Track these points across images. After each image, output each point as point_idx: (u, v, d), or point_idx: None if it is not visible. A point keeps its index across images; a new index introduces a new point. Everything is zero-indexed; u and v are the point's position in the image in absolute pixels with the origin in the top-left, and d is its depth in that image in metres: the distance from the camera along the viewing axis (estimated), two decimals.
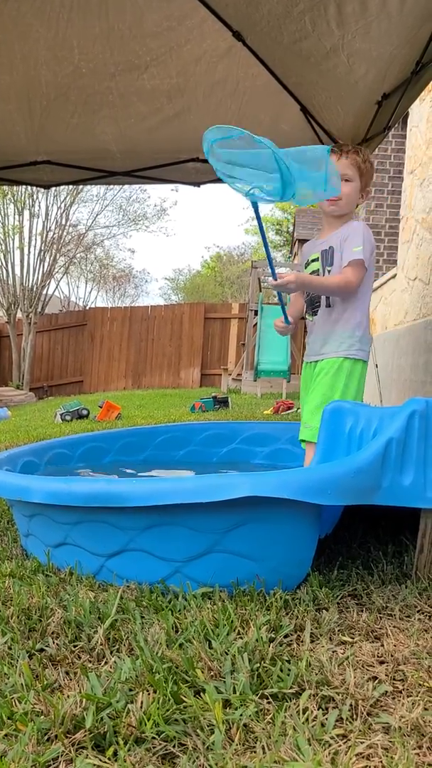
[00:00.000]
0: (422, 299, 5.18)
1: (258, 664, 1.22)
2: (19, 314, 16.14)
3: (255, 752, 0.99)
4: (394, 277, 6.38)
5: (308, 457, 2.55)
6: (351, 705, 1.11)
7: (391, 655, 1.30)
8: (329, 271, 2.44)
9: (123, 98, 3.71)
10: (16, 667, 1.24)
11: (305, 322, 2.64)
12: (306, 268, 2.57)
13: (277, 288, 2.35)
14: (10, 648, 1.34)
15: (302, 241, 17.31)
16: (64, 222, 16.94)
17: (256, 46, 3.31)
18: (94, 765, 0.97)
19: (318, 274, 2.46)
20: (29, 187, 14.21)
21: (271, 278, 2.35)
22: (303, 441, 2.55)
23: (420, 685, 1.19)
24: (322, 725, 1.04)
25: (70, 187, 15.44)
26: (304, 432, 2.52)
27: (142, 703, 1.09)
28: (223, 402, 8.01)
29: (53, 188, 5.11)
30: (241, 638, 1.34)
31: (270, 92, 3.63)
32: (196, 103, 3.73)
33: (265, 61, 3.40)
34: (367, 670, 1.25)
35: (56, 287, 19.84)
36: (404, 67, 3.06)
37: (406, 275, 5.79)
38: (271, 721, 1.07)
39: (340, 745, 1.00)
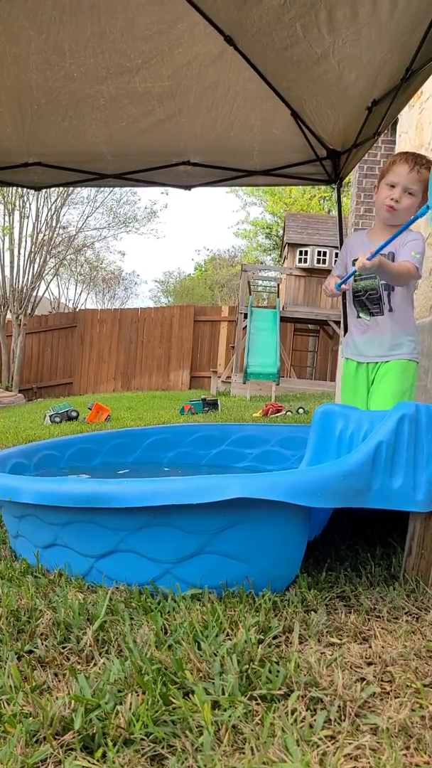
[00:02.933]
0: None
1: (247, 666, 1.23)
2: (9, 315, 16.07)
3: (244, 753, 0.99)
4: None
5: None
6: (339, 706, 1.12)
7: (379, 657, 1.30)
8: None
9: (114, 101, 3.71)
10: (5, 668, 1.24)
11: (358, 320, 2.63)
12: (353, 264, 2.57)
13: (367, 268, 2.29)
14: None
15: (292, 245, 17.35)
16: (54, 224, 16.91)
17: (247, 51, 3.32)
18: (83, 766, 0.97)
19: (374, 276, 2.49)
20: (20, 189, 14.17)
21: (365, 259, 2.30)
22: None
23: (407, 686, 1.20)
24: (311, 726, 1.05)
25: (61, 188, 15.41)
26: None
27: (131, 704, 1.09)
28: (212, 404, 8.02)
29: (44, 190, 5.10)
30: (230, 640, 1.34)
31: (261, 96, 3.65)
32: (187, 106, 3.73)
33: (257, 65, 3.41)
34: (355, 671, 1.25)
35: (46, 289, 19.77)
36: (394, 74, 3.08)
37: None
38: (259, 722, 1.07)
39: (328, 746, 1.00)
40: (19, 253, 16.13)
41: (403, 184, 2.45)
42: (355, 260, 2.54)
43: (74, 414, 7.30)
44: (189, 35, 3.23)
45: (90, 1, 2.99)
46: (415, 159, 2.46)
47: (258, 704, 1.13)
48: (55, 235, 17.23)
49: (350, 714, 1.10)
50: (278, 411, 8.06)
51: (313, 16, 2.80)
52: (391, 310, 2.53)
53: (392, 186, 2.47)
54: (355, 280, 2.54)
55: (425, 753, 1.00)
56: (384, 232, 2.49)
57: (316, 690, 1.16)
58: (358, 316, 2.60)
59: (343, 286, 2.49)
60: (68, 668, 1.24)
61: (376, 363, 2.56)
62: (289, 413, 8.07)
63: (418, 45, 2.80)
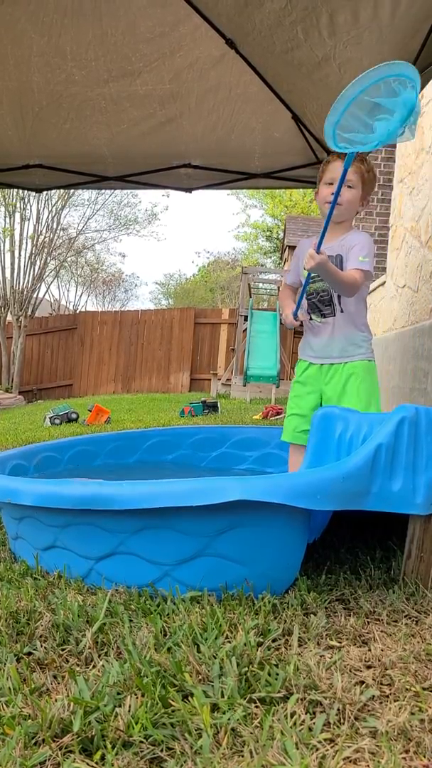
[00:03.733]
0: (411, 306, 5.21)
1: (246, 668, 1.23)
2: (9, 317, 16.08)
3: (243, 756, 0.99)
4: (383, 284, 6.41)
5: (295, 462, 2.59)
6: (338, 709, 1.11)
7: (379, 660, 1.30)
8: None
9: (116, 104, 3.72)
10: (4, 670, 1.23)
11: (307, 324, 2.63)
12: (305, 270, 2.56)
13: (309, 261, 2.27)
14: None
15: (293, 248, 17.36)
16: (54, 226, 16.92)
17: (248, 54, 3.33)
18: None
19: (320, 280, 2.49)
20: (20, 191, 14.17)
21: (313, 250, 2.29)
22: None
23: (407, 689, 1.20)
24: (310, 729, 1.05)
25: (62, 191, 15.41)
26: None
27: (130, 706, 1.09)
28: (212, 407, 8.02)
29: (44, 192, 5.11)
30: (230, 642, 1.34)
31: (262, 100, 3.66)
32: (188, 109, 3.74)
33: (258, 69, 3.42)
34: (355, 674, 1.25)
35: (46, 291, 19.80)
36: None
37: (395, 282, 5.83)
38: (258, 725, 1.07)
39: (327, 750, 1.00)
40: (19, 254, 16.13)
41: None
42: None
43: (74, 416, 7.29)
44: (190, 38, 3.24)
45: (92, 4, 3.00)
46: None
47: (257, 707, 1.13)
48: (55, 237, 17.24)
49: (349, 717, 1.09)
50: (278, 413, 8.05)
51: (314, 20, 2.81)
52: (342, 311, 2.52)
53: (331, 183, 2.46)
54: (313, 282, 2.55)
55: (425, 756, 1.00)
56: (331, 232, 2.47)
57: (316, 693, 1.16)
58: (311, 319, 2.60)
59: (300, 315, 2.53)
60: (67, 670, 1.24)
61: (331, 365, 2.55)
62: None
63: (418, 49, 2.81)
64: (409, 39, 2.80)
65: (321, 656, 1.32)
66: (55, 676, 1.24)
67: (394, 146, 7.49)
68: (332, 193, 2.32)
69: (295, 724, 1.06)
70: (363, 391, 2.49)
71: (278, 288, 15.06)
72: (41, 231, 16.46)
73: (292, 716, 1.09)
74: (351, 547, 2.07)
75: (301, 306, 2.56)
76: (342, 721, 1.09)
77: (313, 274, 2.44)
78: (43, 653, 1.33)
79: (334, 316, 2.53)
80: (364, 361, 2.53)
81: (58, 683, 1.21)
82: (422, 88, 3.20)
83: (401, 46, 2.87)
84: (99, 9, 3.04)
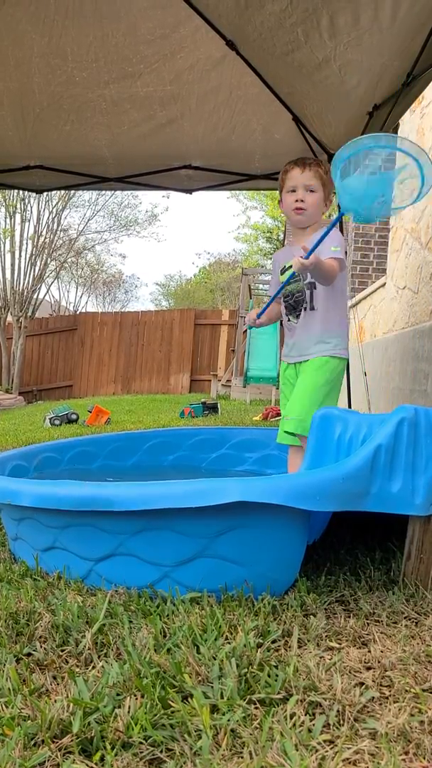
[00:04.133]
0: (411, 308, 5.21)
1: (246, 670, 1.23)
2: (10, 318, 16.08)
3: (242, 757, 0.99)
4: (383, 285, 6.41)
5: (293, 463, 2.59)
6: (338, 711, 1.11)
7: (378, 661, 1.30)
8: (310, 277, 2.50)
9: (116, 105, 3.72)
10: (4, 671, 1.23)
11: (286, 326, 2.68)
12: (282, 274, 2.63)
13: (305, 267, 2.25)
14: None
15: None
16: (55, 227, 16.93)
17: (249, 56, 3.33)
18: None
19: (298, 279, 2.54)
20: (21, 192, 14.18)
21: (302, 258, 2.28)
22: (286, 441, 2.59)
23: (406, 691, 1.20)
24: (309, 731, 1.05)
25: (62, 192, 15.42)
26: (286, 423, 2.53)
27: (129, 707, 1.09)
28: (212, 408, 8.02)
29: (45, 193, 5.11)
30: (229, 643, 1.34)
31: (262, 101, 3.66)
32: (189, 110, 3.74)
33: (258, 70, 3.42)
34: (354, 675, 1.25)
35: (47, 292, 19.83)
36: (395, 79, 3.09)
37: (395, 284, 5.83)
38: (258, 726, 1.07)
39: (327, 751, 1.00)
40: (20, 255, 16.14)
41: (302, 183, 2.50)
42: (288, 267, 2.58)
43: (74, 417, 7.29)
44: (191, 40, 3.24)
45: (92, 5, 3.00)
46: (303, 160, 2.56)
47: (257, 708, 1.13)
48: (56, 238, 17.25)
49: (349, 718, 1.09)
50: (278, 415, 8.05)
51: (315, 22, 2.81)
52: (313, 308, 2.55)
53: (293, 190, 2.52)
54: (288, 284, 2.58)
55: (424, 758, 1.00)
56: (302, 238, 2.54)
57: (315, 694, 1.16)
58: (288, 320, 2.63)
59: (263, 317, 2.62)
60: (67, 671, 1.24)
61: (298, 363, 2.60)
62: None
63: (419, 51, 2.81)
64: (409, 41, 2.80)
65: (321, 657, 1.31)
66: (54, 677, 1.24)
67: None
68: (296, 200, 2.48)
69: (294, 725, 1.06)
70: (302, 385, 2.50)
71: None
72: (41, 232, 16.47)
73: (291, 717, 1.09)
74: (351, 548, 2.07)
75: (281, 310, 2.63)
76: (341, 722, 1.09)
77: (293, 276, 2.48)
78: (42, 654, 1.33)
79: (306, 313, 2.56)
80: (323, 357, 2.53)
81: (58, 684, 1.21)
82: (422, 90, 3.20)
83: (402, 49, 2.87)
84: (100, 11, 3.04)
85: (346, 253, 2.56)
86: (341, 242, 2.48)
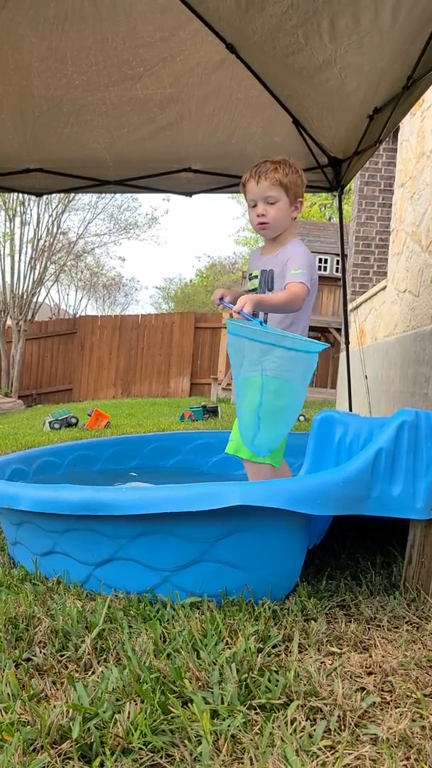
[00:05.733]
0: (412, 311, 5.21)
1: (246, 675, 1.22)
2: (9, 321, 16.09)
3: (242, 763, 0.98)
4: (384, 288, 6.41)
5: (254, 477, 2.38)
6: (339, 716, 1.11)
7: (380, 666, 1.30)
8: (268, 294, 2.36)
9: (116, 108, 3.72)
10: (3, 676, 1.23)
11: None
12: (249, 280, 2.50)
13: (238, 312, 2.11)
14: None
15: None
16: (54, 230, 16.94)
17: (249, 59, 3.33)
18: None
19: (256, 292, 2.38)
20: (20, 195, 14.20)
21: (230, 307, 2.22)
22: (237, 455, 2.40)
23: (408, 696, 1.19)
24: (310, 736, 1.04)
25: (62, 195, 15.44)
26: (228, 446, 2.37)
27: (129, 713, 1.09)
28: (212, 411, 8.01)
29: (45, 196, 5.12)
30: (230, 648, 1.33)
31: (262, 104, 3.66)
32: (188, 113, 3.74)
33: (258, 73, 3.42)
34: (355, 680, 1.24)
35: (46, 295, 19.83)
36: (396, 82, 3.09)
37: (396, 287, 5.83)
38: (258, 731, 1.06)
39: (327, 757, 0.99)
40: (19, 259, 16.15)
41: (259, 196, 2.36)
42: (249, 275, 2.49)
43: (74, 420, 7.29)
44: (191, 43, 3.24)
45: (92, 8, 3.00)
46: (256, 169, 2.39)
47: (257, 714, 1.12)
48: (55, 241, 17.26)
49: (350, 724, 1.09)
50: None
51: (315, 25, 2.81)
52: (265, 321, 2.33)
53: (254, 205, 2.39)
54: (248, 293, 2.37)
55: (426, 763, 0.99)
56: (272, 246, 2.43)
57: (316, 699, 1.15)
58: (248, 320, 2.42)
59: (229, 309, 2.38)
60: (66, 676, 1.23)
61: (250, 376, 2.22)
62: None
63: (419, 54, 2.81)
64: (409, 44, 2.80)
65: (321, 662, 1.31)
66: (54, 682, 1.24)
67: (395, 151, 7.51)
68: (258, 215, 2.36)
69: (295, 730, 1.06)
70: (247, 403, 2.19)
71: None
72: (41, 235, 16.48)
73: (292, 723, 1.08)
74: (351, 552, 2.06)
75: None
76: (342, 727, 1.08)
77: (252, 274, 2.41)
78: (42, 659, 1.32)
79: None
80: (275, 378, 2.12)
81: (57, 689, 1.21)
82: (422, 93, 3.21)
83: (402, 52, 2.87)
84: (99, 14, 3.04)
85: (313, 273, 2.37)
86: (306, 262, 2.30)
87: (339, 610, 1.60)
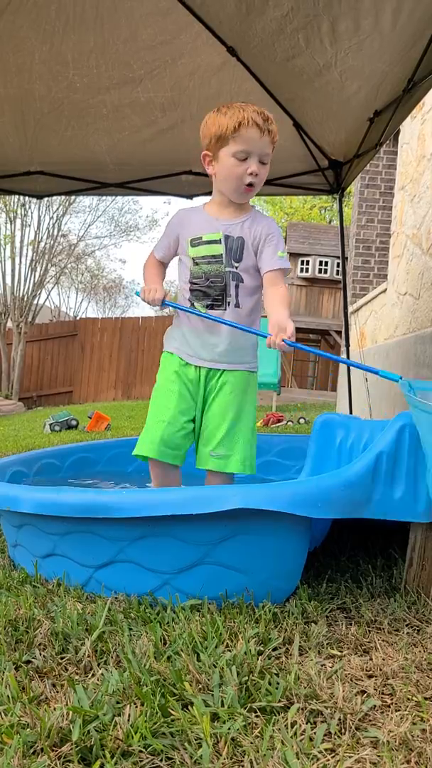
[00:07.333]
0: (412, 314, 5.21)
1: (246, 677, 1.22)
2: (10, 324, 16.10)
3: (243, 766, 0.98)
4: (384, 291, 6.42)
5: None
6: (339, 719, 1.11)
7: (380, 669, 1.29)
8: (236, 268, 2.08)
9: (117, 111, 3.73)
10: (2, 678, 1.23)
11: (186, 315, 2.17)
12: (192, 246, 2.12)
13: (281, 345, 1.91)
14: None
15: (294, 255, 17.39)
16: (55, 232, 16.97)
17: (249, 62, 3.34)
18: None
19: (219, 261, 2.08)
20: (21, 197, 14.22)
21: (179, 308, 2.10)
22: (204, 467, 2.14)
23: (408, 699, 1.19)
24: (311, 739, 1.04)
25: (63, 197, 15.47)
26: (212, 462, 2.09)
27: (129, 716, 1.08)
28: None
29: (46, 198, 5.12)
30: (230, 651, 1.33)
31: (263, 107, 3.66)
32: (190, 116, 3.75)
33: (259, 76, 3.43)
34: (356, 683, 1.24)
35: (47, 297, 19.83)
36: (396, 85, 3.10)
37: (397, 290, 5.83)
38: (259, 734, 1.06)
39: (328, 760, 0.99)
40: (20, 261, 16.18)
41: (258, 151, 2.01)
42: (195, 239, 2.12)
43: (74, 423, 7.29)
44: (192, 46, 3.25)
45: (94, 12, 3.01)
46: (263, 118, 2.02)
47: (257, 716, 1.12)
48: (56, 244, 17.29)
49: (350, 727, 1.09)
50: (279, 421, 8.05)
51: (316, 28, 2.82)
52: (237, 305, 2.09)
53: (245, 157, 2.01)
54: (196, 264, 2.12)
55: (426, 767, 0.99)
56: (232, 210, 2.11)
57: (316, 702, 1.15)
58: (192, 306, 2.13)
59: (159, 288, 2.16)
60: (66, 679, 1.23)
61: (210, 370, 2.11)
62: (290, 423, 8.07)
63: (420, 56, 2.81)
64: (410, 47, 2.81)
65: (322, 665, 1.31)
66: (54, 685, 1.24)
67: (396, 153, 7.51)
68: (250, 173, 2.00)
69: (295, 733, 1.06)
70: (230, 406, 2.09)
71: None
72: (42, 237, 16.51)
73: (292, 726, 1.08)
74: (352, 555, 2.06)
75: (182, 292, 2.17)
76: (343, 731, 1.08)
77: (208, 238, 2.10)
78: (42, 661, 1.32)
79: (224, 310, 2.09)
80: (245, 372, 2.14)
81: (57, 692, 1.20)
82: (423, 96, 3.21)
83: (402, 55, 2.88)
84: (101, 17, 3.05)
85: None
86: (283, 242, 2.13)
87: (339, 613, 1.60)
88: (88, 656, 1.33)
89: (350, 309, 7.60)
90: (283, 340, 1.89)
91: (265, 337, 1.95)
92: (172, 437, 2.06)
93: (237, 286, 2.09)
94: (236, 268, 2.08)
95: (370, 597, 1.70)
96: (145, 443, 2.07)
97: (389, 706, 1.17)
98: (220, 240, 2.09)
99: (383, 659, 1.34)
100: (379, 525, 1.82)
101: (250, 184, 2.03)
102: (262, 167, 2.03)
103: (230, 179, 2.04)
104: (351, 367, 4.93)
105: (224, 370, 2.11)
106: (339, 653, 1.37)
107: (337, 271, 16.14)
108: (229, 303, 2.09)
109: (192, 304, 2.13)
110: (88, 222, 19.84)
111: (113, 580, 1.70)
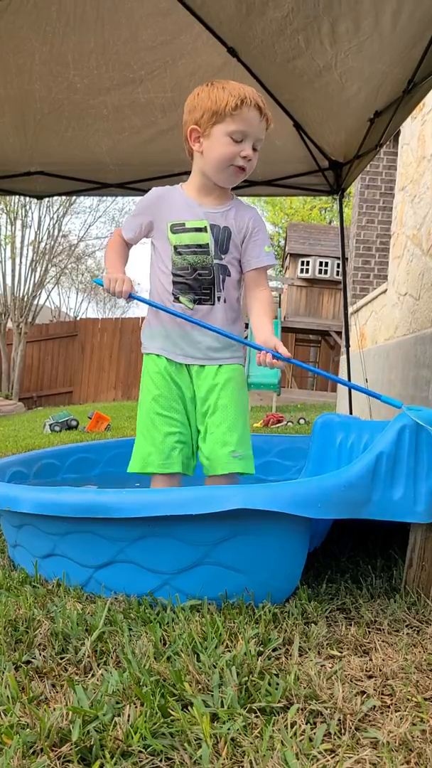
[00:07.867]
0: (412, 314, 5.21)
1: (246, 678, 1.22)
2: (10, 324, 16.11)
3: (242, 766, 0.98)
4: (384, 292, 6.42)
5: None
6: (339, 719, 1.11)
7: (380, 670, 1.29)
8: (222, 259, 1.99)
9: (117, 112, 3.73)
10: (2, 679, 1.23)
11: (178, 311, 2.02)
12: (173, 233, 2.00)
13: (274, 362, 1.90)
14: None
15: (294, 255, 17.39)
16: (55, 233, 16.98)
17: (250, 63, 3.34)
18: None
19: (206, 252, 1.98)
20: (22, 198, 14.23)
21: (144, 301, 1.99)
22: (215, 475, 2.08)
23: (408, 699, 1.19)
24: (310, 740, 1.04)
25: (63, 198, 15.48)
26: (236, 463, 2.01)
27: (129, 716, 1.08)
28: None
29: (46, 199, 5.13)
30: (230, 651, 1.33)
31: None
32: None
33: (259, 77, 3.43)
34: (356, 684, 1.24)
35: (47, 297, 19.83)
36: (396, 86, 3.10)
37: (397, 290, 5.83)
38: (258, 735, 1.06)
39: (328, 760, 0.99)
40: (20, 261, 16.19)
41: (254, 135, 1.93)
42: (176, 225, 2.00)
43: (74, 423, 7.29)
44: (192, 47, 3.26)
45: (94, 12, 3.01)
46: (262, 101, 1.94)
47: (257, 717, 1.12)
48: (56, 244, 17.30)
49: (350, 727, 1.09)
50: (279, 421, 8.05)
51: (316, 29, 2.82)
52: (224, 300, 2.01)
53: (241, 139, 1.91)
54: (178, 253, 1.99)
55: (426, 767, 0.99)
56: (215, 196, 2.02)
57: (316, 703, 1.15)
58: (177, 300, 2.00)
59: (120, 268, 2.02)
60: (66, 679, 1.23)
61: (202, 366, 2.03)
62: (290, 424, 8.07)
63: (420, 57, 2.82)
64: (410, 48, 2.81)
65: (322, 666, 1.31)
66: (53, 685, 1.24)
67: (396, 154, 7.52)
68: (243, 157, 1.91)
69: (295, 734, 1.06)
70: (238, 403, 2.04)
71: (279, 296, 15.04)
72: (42, 238, 16.52)
73: (292, 726, 1.08)
74: (352, 555, 2.06)
75: (162, 283, 2.02)
76: (343, 731, 1.08)
77: (193, 225, 1.99)
78: (41, 662, 1.32)
79: (213, 305, 2.00)
80: (238, 365, 2.07)
81: (57, 692, 1.20)
82: (423, 97, 3.21)
83: (402, 56, 2.88)
84: (101, 18, 3.05)
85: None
86: (268, 234, 2.08)
87: (339, 614, 1.60)
88: (88, 656, 1.33)
89: (350, 309, 7.60)
90: (274, 356, 1.86)
91: (257, 348, 1.91)
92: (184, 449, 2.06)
93: (224, 280, 2.00)
94: (222, 260, 1.99)
95: (369, 597, 1.70)
96: (153, 459, 2.08)
97: (389, 707, 1.17)
98: (205, 228, 1.98)
99: (383, 660, 1.34)
100: (379, 525, 1.82)
101: (242, 168, 1.93)
102: (254, 154, 1.94)
103: (221, 160, 1.92)
104: (350, 367, 4.93)
105: (221, 365, 2.03)
106: (339, 654, 1.37)
107: (338, 271, 16.15)
108: (218, 298, 2.00)
109: (176, 299, 2.00)
110: (89, 222, 19.92)
111: (113, 581, 1.70)
